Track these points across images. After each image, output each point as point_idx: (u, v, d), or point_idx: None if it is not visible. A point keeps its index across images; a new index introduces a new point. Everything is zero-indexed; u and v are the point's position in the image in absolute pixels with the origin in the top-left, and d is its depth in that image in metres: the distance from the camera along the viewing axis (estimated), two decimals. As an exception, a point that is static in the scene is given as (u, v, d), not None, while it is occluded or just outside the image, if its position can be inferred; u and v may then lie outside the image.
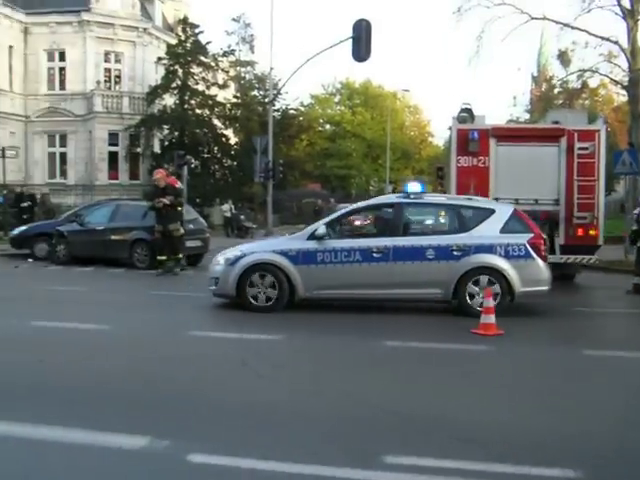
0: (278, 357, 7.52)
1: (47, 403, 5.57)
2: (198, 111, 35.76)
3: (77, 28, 35.67)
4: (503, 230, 10.36)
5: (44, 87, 36.38)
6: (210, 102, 35.89)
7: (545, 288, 10.35)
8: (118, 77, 37.32)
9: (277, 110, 40.27)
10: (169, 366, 6.92)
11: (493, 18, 25.63)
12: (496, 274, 10.09)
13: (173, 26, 40.94)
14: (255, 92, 46.37)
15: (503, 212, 10.66)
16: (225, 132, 37.37)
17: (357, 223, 14.44)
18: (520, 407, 5.63)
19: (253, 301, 10.43)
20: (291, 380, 6.50)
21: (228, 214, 33.43)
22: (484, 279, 10.10)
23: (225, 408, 5.48)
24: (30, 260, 18.72)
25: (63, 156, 36.44)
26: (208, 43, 36.87)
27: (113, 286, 14.49)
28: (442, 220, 11.47)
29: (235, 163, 36.43)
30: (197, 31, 36.46)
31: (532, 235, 10.33)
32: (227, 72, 38.55)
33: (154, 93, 35.14)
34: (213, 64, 36.73)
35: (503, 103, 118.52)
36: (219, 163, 36.69)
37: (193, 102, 35.72)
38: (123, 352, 7.67)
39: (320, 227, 10.63)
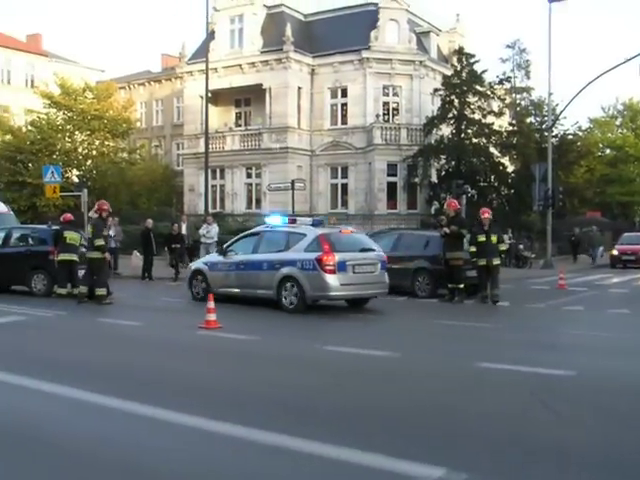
0: (576, 396, 6.99)
1: (346, 426, 5.71)
2: (475, 140, 35.42)
3: (357, 66, 37.43)
4: (306, 249, 13.98)
5: (327, 122, 38.60)
6: (486, 130, 35.42)
7: (331, 293, 13.89)
8: (396, 110, 38.46)
9: (555, 136, 38.89)
10: (461, 397, 6.86)
11: None
12: (296, 282, 13.88)
13: (448, 57, 41.42)
14: (531, 118, 45.23)
15: (310, 236, 14.17)
16: (502, 160, 36.76)
17: None
18: None
19: (195, 294, 16.06)
20: (599, 421, 5.92)
21: (506, 245, 32.62)
22: (291, 285, 13.94)
23: (523, 446, 5.17)
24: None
25: (344, 187, 38.07)
26: (484, 72, 36.55)
27: (402, 314, 14.99)
28: (280, 242, 14.82)
29: (512, 191, 35.62)
30: (472, 60, 36.25)
31: (320, 254, 13.65)
32: (503, 100, 37.96)
33: (431, 124, 35.59)
34: (489, 92, 36.35)
35: None
36: (496, 192, 35.98)
37: (469, 131, 35.51)
38: (413, 380, 7.81)
39: (219, 247, 16.89)
